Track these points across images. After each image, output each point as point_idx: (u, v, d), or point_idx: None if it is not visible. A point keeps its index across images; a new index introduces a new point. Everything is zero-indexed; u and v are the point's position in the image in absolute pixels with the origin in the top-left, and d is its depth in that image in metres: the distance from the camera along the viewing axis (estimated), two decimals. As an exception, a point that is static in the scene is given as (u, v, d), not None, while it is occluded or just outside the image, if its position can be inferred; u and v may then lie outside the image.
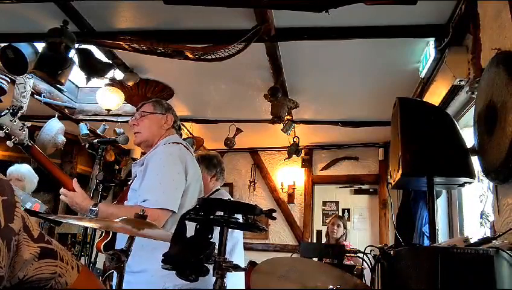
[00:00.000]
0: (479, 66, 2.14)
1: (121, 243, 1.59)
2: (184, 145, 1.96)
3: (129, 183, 2.07)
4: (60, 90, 4.43)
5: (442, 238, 2.93)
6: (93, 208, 1.72)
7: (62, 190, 1.80)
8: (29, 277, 0.69)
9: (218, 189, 2.81)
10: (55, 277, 0.73)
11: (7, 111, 1.71)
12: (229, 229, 1.06)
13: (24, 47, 2.95)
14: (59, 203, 5.86)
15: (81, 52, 3.04)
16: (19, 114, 1.75)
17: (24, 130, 1.74)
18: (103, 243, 2.18)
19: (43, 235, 0.74)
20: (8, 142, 1.70)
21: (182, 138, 2.20)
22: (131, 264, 1.64)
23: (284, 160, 5.96)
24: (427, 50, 2.97)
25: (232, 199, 1.75)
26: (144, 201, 1.69)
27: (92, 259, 2.57)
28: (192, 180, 1.88)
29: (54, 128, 3.90)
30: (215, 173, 2.77)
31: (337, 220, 4.46)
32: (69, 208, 1.88)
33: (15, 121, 1.71)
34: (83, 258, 2.57)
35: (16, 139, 1.71)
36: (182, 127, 2.21)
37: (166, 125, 2.00)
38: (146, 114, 1.99)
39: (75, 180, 1.82)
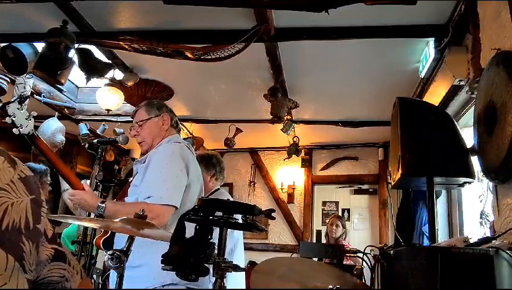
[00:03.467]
0: (478, 66, 2.14)
1: (120, 239, 1.60)
2: (185, 145, 2.00)
3: (130, 181, 2.09)
4: (60, 90, 4.42)
5: (442, 238, 2.93)
6: (101, 205, 1.75)
7: (71, 191, 1.84)
8: (41, 279, 0.68)
9: (218, 189, 2.81)
10: (63, 281, 0.73)
11: (15, 99, 1.73)
12: (229, 229, 1.06)
13: (24, 47, 2.94)
14: (59, 203, 5.86)
15: (81, 52, 3.04)
16: (26, 102, 1.77)
17: (30, 120, 1.76)
18: (102, 240, 2.17)
19: (56, 236, 0.73)
20: (14, 130, 1.72)
21: (182, 137, 2.22)
22: (129, 259, 1.66)
23: (284, 160, 5.96)
24: (427, 50, 2.97)
25: (231, 199, 1.75)
26: (148, 197, 1.73)
27: (92, 259, 2.56)
28: (193, 179, 1.91)
29: (51, 128, 3.89)
30: (214, 172, 2.77)
31: (336, 220, 4.49)
32: (69, 208, 1.90)
33: (22, 110, 1.73)
34: (82, 258, 2.57)
35: (22, 128, 1.73)
36: (182, 126, 2.24)
37: (166, 125, 2.03)
38: (143, 122, 2.02)
39: (84, 181, 1.88)
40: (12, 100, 1.72)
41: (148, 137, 2.02)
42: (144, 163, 1.92)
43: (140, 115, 2.05)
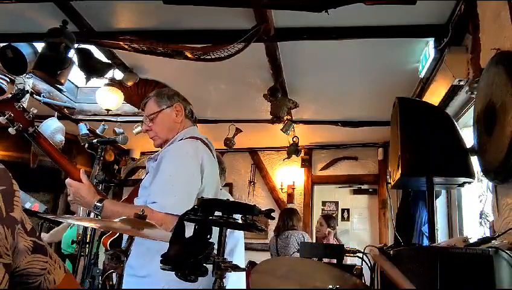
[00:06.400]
0: (478, 66, 2.14)
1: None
2: (202, 140, 1.78)
3: (142, 178, 1.92)
4: (60, 90, 4.42)
5: (441, 238, 2.93)
6: (98, 204, 1.57)
7: (68, 180, 1.64)
8: (21, 270, 0.68)
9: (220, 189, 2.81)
10: (45, 273, 0.73)
11: (10, 96, 1.53)
12: (230, 229, 1.06)
13: (24, 47, 2.94)
14: (59, 203, 5.87)
15: (81, 52, 3.05)
16: (24, 98, 1.57)
17: (29, 117, 1.54)
18: (110, 241, 2.14)
19: (35, 231, 0.73)
20: (10, 130, 1.50)
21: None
22: (136, 267, 1.60)
23: (284, 160, 5.96)
24: (427, 50, 2.97)
25: (230, 199, 1.72)
26: (153, 203, 1.58)
27: (92, 259, 2.56)
28: (208, 181, 1.72)
29: (50, 128, 3.87)
30: None
31: (321, 218, 4.47)
32: (69, 208, 1.82)
33: (19, 107, 1.51)
34: (82, 258, 2.57)
35: (20, 127, 1.51)
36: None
37: (180, 116, 1.82)
38: (154, 115, 1.81)
39: (82, 170, 1.66)
40: (8, 97, 1.52)
41: (161, 132, 1.81)
42: (155, 162, 1.73)
43: (151, 108, 1.83)
